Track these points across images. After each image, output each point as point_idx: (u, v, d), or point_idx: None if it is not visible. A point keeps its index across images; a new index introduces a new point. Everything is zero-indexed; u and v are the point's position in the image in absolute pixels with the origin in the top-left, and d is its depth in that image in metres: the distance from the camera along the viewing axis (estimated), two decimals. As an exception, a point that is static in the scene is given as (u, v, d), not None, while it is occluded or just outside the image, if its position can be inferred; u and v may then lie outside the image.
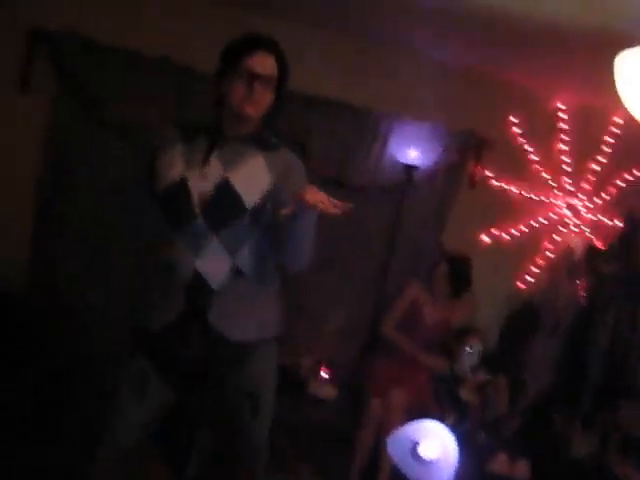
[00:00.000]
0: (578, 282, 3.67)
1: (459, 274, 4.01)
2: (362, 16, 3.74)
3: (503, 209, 4.31)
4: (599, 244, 4.12)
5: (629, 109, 1.96)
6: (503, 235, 4.33)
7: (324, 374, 3.97)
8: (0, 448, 3.08)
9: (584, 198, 4.36)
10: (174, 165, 2.12)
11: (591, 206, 4.35)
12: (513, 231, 4.34)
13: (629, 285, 3.10)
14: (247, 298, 2.17)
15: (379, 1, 3.44)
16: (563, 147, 4.32)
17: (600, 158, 4.32)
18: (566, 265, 3.88)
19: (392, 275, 4.25)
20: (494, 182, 4.32)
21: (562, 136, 4.32)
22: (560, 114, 4.31)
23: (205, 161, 2.12)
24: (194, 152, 2.13)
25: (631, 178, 4.31)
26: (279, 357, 3.92)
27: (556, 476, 3.49)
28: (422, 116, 4.19)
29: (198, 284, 2.08)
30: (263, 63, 2.07)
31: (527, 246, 4.35)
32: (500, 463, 3.47)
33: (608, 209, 4.33)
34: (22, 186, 4.00)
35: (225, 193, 2.10)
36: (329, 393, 3.88)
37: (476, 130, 4.26)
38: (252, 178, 2.13)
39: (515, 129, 4.30)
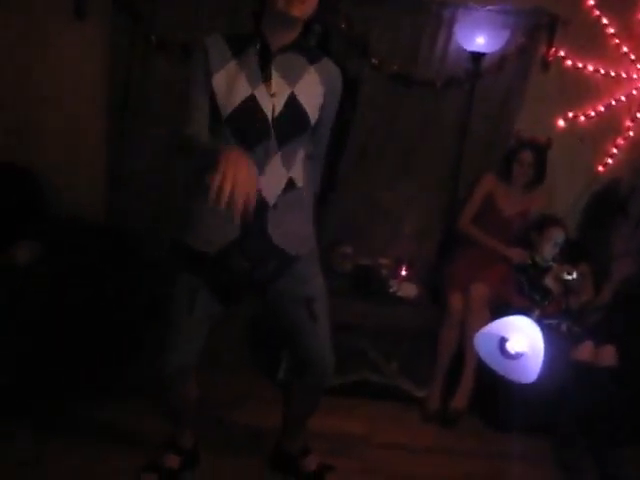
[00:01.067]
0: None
1: (542, 161, 3.91)
2: None
3: (580, 90, 4.10)
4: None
5: None
6: (581, 117, 4.14)
7: (404, 273, 3.99)
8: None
9: (667, 70, 4.09)
10: (237, 83, 2.08)
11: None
12: (591, 113, 4.14)
13: None
14: (297, 210, 2.23)
15: None
16: (643, 16, 4.03)
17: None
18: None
19: (466, 170, 4.16)
20: (569, 62, 4.09)
21: (641, 4, 4.02)
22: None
23: (267, 76, 2.09)
24: (249, 67, 2.10)
25: None
26: (360, 257, 4.02)
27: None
28: (488, 0, 3.96)
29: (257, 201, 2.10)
30: None
31: (607, 128, 4.16)
32: (585, 351, 3.46)
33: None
34: (90, 110, 4.06)
35: (293, 109, 2.10)
36: (410, 291, 3.91)
37: (546, 7, 4.00)
38: (311, 92, 2.14)
39: (589, 1, 4.02)
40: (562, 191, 4.17)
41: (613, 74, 4.11)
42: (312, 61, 2.17)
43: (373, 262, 4.06)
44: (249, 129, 2.09)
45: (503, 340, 1.75)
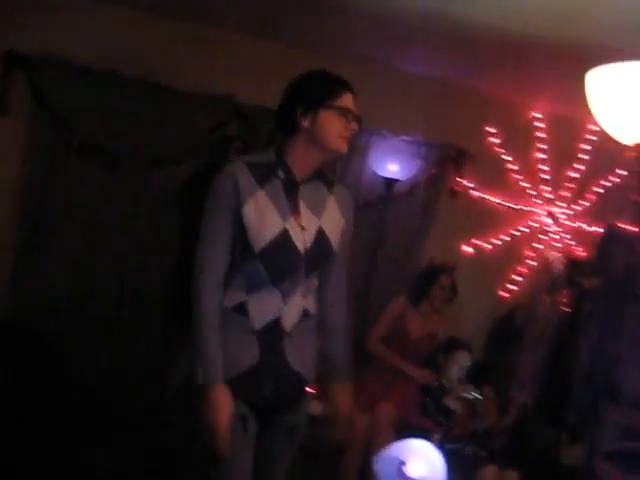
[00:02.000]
0: (559, 296, 3.70)
1: (454, 284, 4.06)
2: (340, 33, 3.77)
3: (484, 219, 4.35)
4: (580, 253, 4.15)
5: (600, 125, 1.99)
6: (484, 245, 4.36)
7: (310, 390, 3.95)
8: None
9: (563, 205, 4.39)
10: (268, 216, 2.02)
11: (570, 213, 4.39)
12: (494, 240, 4.38)
13: (608, 299, 3.13)
14: (310, 337, 2.18)
15: (358, 19, 3.47)
16: (541, 156, 4.36)
17: (577, 166, 4.36)
18: (546, 279, 3.91)
19: (375, 290, 4.26)
20: (474, 192, 4.36)
21: (539, 145, 4.36)
22: (536, 123, 4.35)
23: (295, 209, 2.06)
24: (277, 198, 2.03)
25: (608, 185, 4.36)
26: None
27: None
28: (401, 130, 4.22)
29: (274, 328, 2.04)
30: (354, 102, 2.05)
31: (508, 255, 4.39)
32: (489, 475, 3.48)
33: (587, 216, 4.37)
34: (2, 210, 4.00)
35: (322, 243, 2.09)
36: (315, 409, 3.86)
37: (455, 142, 4.29)
38: (334, 223, 2.13)
39: (493, 140, 4.33)
40: (468, 315, 4.31)
41: (514, 206, 4.39)
42: (329, 189, 2.14)
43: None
44: (282, 263, 2.04)
45: (402, 463, 1.74)
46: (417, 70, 4.16)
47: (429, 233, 4.33)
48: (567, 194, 4.39)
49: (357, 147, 4.18)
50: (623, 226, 3.58)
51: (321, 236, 2.08)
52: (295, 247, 2.03)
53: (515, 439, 3.70)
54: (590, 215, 4.36)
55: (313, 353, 2.22)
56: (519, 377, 3.87)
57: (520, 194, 4.40)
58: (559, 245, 4.27)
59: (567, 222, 4.39)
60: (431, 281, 4.05)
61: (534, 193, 4.41)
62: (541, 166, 4.38)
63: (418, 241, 4.31)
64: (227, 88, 4.06)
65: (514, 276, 4.40)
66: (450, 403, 3.87)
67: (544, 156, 4.36)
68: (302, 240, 2.04)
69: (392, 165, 4.17)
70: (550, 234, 4.38)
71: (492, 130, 4.31)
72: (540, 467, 3.60)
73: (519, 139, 4.35)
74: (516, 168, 4.38)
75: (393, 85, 4.18)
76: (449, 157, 4.32)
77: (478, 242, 4.35)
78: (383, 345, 4.01)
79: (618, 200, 3.96)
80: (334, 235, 2.12)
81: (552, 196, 4.40)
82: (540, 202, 4.41)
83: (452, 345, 4.00)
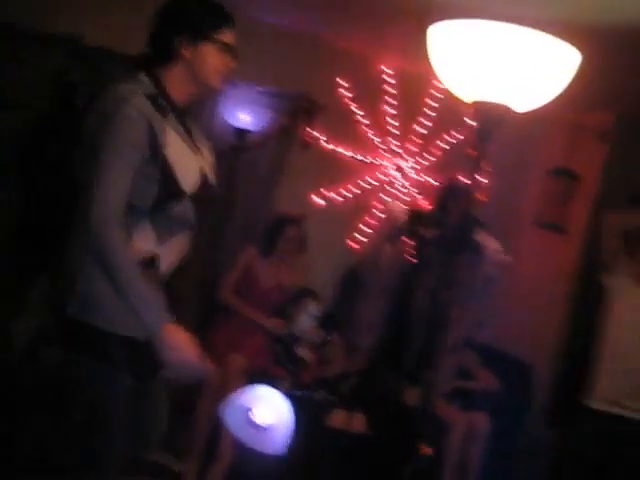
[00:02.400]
0: (401, 246, 3.85)
1: (303, 235, 4.10)
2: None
3: (334, 171, 4.42)
4: (425, 205, 4.34)
5: (441, 81, 2.05)
6: (334, 196, 4.44)
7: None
8: None
9: (410, 159, 4.55)
10: (185, 155, 1.86)
11: (417, 167, 4.56)
12: (344, 192, 4.47)
13: (445, 248, 3.30)
14: None
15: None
16: (390, 110, 4.47)
17: (424, 120, 4.51)
18: (388, 229, 4.05)
19: (229, 241, 4.23)
20: (325, 144, 4.40)
21: (388, 99, 4.47)
22: (386, 77, 4.44)
23: (195, 142, 1.92)
24: (180, 132, 1.87)
25: (452, 140, 4.55)
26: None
27: (390, 426, 3.70)
28: (253, 80, 4.15)
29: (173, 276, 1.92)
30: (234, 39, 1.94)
31: (358, 207, 4.50)
32: (338, 418, 3.61)
33: (433, 170, 4.56)
34: None
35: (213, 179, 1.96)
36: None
37: (307, 93, 4.29)
38: (211, 159, 2.01)
39: (344, 92, 4.38)
40: (318, 265, 4.40)
41: (363, 158, 4.49)
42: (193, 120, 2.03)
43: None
44: (201, 204, 1.89)
45: (250, 411, 1.75)
46: (270, 19, 4.10)
47: (280, 184, 4.34)
48: (414, 148, 4.55)
49: (208, 96, 4.09)
50: (461, 179, 3.78)
51: (213, 173, 1.98)
52: (212, 185, 1.93)
53: (361, 384, 3.86)
54: (435, 169, 4.55)
55: None
56: (364, 325, 4.02)
57: (369, 147, 4.50)
58: (406, 198, 4.43)
59: (414, 175, 4.56)
60: (278, 232, 4.07)
61: (382, 146, 4.52)
62: (390, 120, 4.49)
63: (269, 192, 4.31)
64: (73, 28, 3.77)
65: (363, 227, 4.53)
66: (300, 351, 3.96)
67: (393, 110, 4.48)
68: (212, 177, 1.94)
69: (244, 115, 4.12)
70: (397, 187, 4.53)
71: (344, 82, 4.36)
72: (385, 409, 3.79)
73: (370, 92, 4.43)
74: (366, 121, 4.46)
75: (245, 34, 4.07)
76: (301, 108, 4.32)
77: (328, 193, 4.42)
78: (234, 295, 4.02)
79: (458, 155, 4.17)
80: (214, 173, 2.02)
81: (400, 150, 4.54)
82: (388, 155, 4.54)
83: (301, 295, 4.07)
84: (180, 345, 1.78)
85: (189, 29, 1.86)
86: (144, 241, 1.81)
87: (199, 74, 1.89)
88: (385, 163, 4.54)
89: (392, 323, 3.81)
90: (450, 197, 3.92)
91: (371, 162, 4.52)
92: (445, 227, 3.56)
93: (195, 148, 1.90)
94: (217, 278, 4.15)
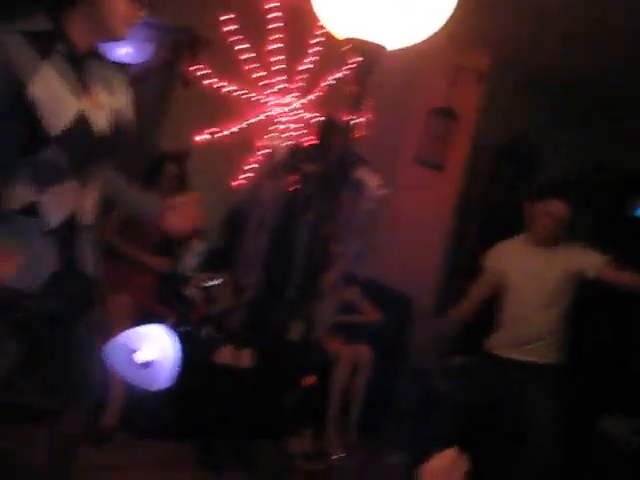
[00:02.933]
0: (282, 181, 3.88)
1: (184, 173, 4.04)
2: None
3: (217, 108, 4.34)
4: (306, 143, 4.36)
5: (318, 16, 2.05)
6: (218, 134, 4.39)
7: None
8: None
9: (294, 97, 4.54)
10: (60, 96, 1.75)
11: (299, 105, 4.56)
12: (228, 130, 4.41)
13: (325, 183, 3.36)
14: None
15: None
16: (275, 46, 4.42)
17: (309, 57, 4.50)
18: (269, 165, 4.06)
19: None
20: (208, 80, 4.31)
21: (274, 35, 4.40)
22: (272, 13, 4.37)
23: (85, 87, 1.81)
24: (65, 73, 1.77)
25: (335, 77, 4.57)
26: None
27: (276, 358, 3.80)
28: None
29: (69, 225, 1.84)
30: None
31: (241, 145, 4.46)
32: (225, 354, 3.67)
33: (316, 107, 4.57)
34: None
35: (118, 123, 1.88)
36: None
37: (191, 27, 4.17)
38: (125, 103, 1.94)
39: (229, 27, 4.28)
40: (202, 204, 4.35)
41: (248, 96, 4.44)
42: (115, 68, 1.95)
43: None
44: (81, 150, 1.80)
45: (133, 350, 1.76)
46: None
47: (163, 121, 4.24)
48: (298, 85, 4.54)
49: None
50: (341, 116, 3.82)
51: (117, 118, 1.90)
52: (94, 131, 1.82)
53: (248, 320, 3.93)
54: (318, 106, 4.57)
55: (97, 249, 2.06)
56: (248, 261, 4.06)
57: (253, 84, 4.45)
58: (288, 134, 4.44)
59: (297, 113, 4.56)
60: (158, 170, 4.00)
61: (267, 83, 4.48)
62: (275, 57, 4.44)
63: (152, 129, 4.20)
64: None
65: (246, 166, 4.51)
66: (187, 290, 3.96)
67: (278, 46, 4.42)
68: (99, 122, 1.84)
69: (124, 48, 3.96)
70: (280, 124, 4.53)
71: (229, 16, 4.25)
72: (270, 343, 3.89)
73: (255, 27, 4.35)
74: (250, 57, 4.39)
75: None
76: (184, 43, 4.20)
77: (212, 131, 4.36)
78: (118, 235, 3.94)
79: (341, 92, 4.19)
80: (128, 117, 1.95)
81: (284, 87, 4.51)
82: (272, 93, 4.51)
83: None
84: None
85: None
86: (22, 190, 1.77)
87: (103, 20, 1.81)
88: (269, 100, 4.51)
89: (275, 258, 3.88)
90: (330, 132, 3.97)
91: (255, 99, 4.47)
92: (325, 162, 3.62)
93: (82, 92, 1.80)
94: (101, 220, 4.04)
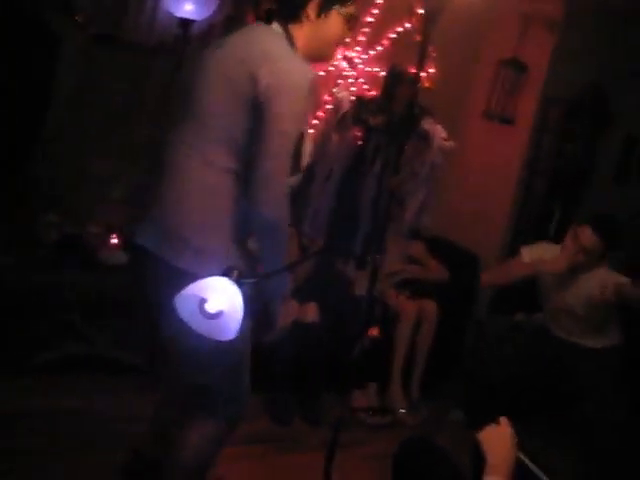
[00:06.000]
0: (348, 134, 3.83)
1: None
2: None
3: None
4: (371, 95, 4.28)
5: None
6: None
7: (114, 241, 3.89)
8: None
9: (359, 50, 4.45)
10: None
11: (365, 57, 4.46)
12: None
13: (391, 136, 3.30)
14: None
15: None
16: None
17: (373, 10, 4.39)
18: (334, 118, 4.01)
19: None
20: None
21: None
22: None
23: None
24: None
25: (400, 30, 4.46)
26: (67, 226, 3.83)
27: (341, 313, 3.81)
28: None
29: None
30: None
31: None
32: (289, 309, 3.70)
33: (381, 60, 4.48)
34: None
35: None
36: (121, 260, 3.83)
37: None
38: None
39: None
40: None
41: (313, 50, 4.37)
42: None
43: (81, 230, 3.90)
44: None
45: (203, 301, 1.79)
46: None
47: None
48: (363, 39, 4.45)
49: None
50: (407, 67, 3.74)
51: None
52: None
53: (313, 273, 3.94)
54: (384, 59, 4.47)
55: None
56: (312, 214, 4.05)
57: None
58: (353, 88, 4.37)
59: (362, 67, 4.48)
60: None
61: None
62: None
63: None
64: None
65: (313, 121, 4.47)
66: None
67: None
68: None
69: (188, 5, 3.95)
70: (345, 78, 4.45)
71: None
72: (336, 298, 3.90)
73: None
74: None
75: None
76: (245, -3, 4.16)
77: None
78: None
79: (405, 44, 4.10)
80: None
81: (348, 40, 4.42)
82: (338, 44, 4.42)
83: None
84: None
85: None
86: None
87: (320, 45, 2.02)
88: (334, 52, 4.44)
89: (341, 212, 3.85)
90: (396, 84, 3.89)
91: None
92: (391, 114, 3.56)
93: None
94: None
